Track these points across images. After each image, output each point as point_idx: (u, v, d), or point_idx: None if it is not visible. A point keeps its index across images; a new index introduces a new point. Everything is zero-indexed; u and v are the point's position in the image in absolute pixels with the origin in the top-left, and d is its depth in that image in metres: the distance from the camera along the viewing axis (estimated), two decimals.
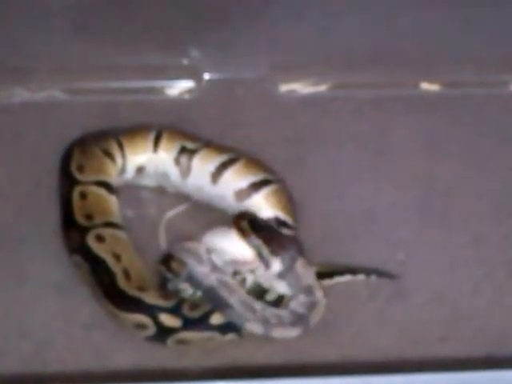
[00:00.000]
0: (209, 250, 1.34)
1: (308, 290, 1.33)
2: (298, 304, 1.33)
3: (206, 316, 1.33)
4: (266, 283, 1.33)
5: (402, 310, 1.40)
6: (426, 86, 1.63)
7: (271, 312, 1.32)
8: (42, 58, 1.60)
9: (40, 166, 1.50)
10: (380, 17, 1.63)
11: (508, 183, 1.53)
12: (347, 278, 1.40)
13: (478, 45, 1.63)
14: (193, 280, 1.33)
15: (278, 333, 1.32)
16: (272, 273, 1.33)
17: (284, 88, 1.62)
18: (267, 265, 1.33)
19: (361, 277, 1.40)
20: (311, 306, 1.32)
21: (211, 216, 1.43)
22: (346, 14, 1.62)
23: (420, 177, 1.52)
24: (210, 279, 1.32)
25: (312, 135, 1.57)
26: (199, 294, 1.33)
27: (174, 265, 1.34)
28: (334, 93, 1.62)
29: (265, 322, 1.31)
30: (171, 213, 1.46)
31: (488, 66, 1.62)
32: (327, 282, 1.38)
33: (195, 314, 1.33)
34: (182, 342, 1.34)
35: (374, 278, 1.40)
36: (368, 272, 1.40)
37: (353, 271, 1.40)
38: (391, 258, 1.44)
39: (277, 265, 1.33)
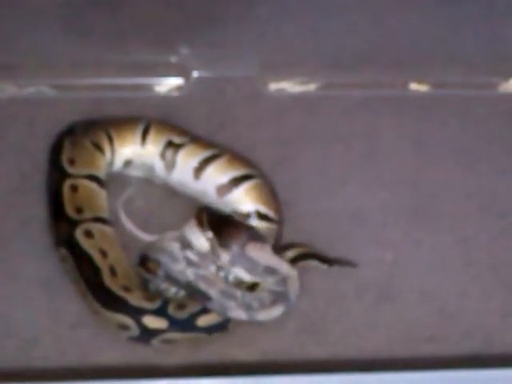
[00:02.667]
0: (183, 246, 1.34)
1: (270, 271, 1.33)
2: (271, 284, 1.32)
3: (193, 317, 1.32)
4: (223, 273, 1.33)
5: (390, 310, 1.40)
6: (414, 86, 1.64)
7: (252, 297, 1.32)
8: (29, 54, 1.60)
9: (27, 161, 1.50)
10: (369, 17, 1.63)
11: (495, 184, 1.53)
12: (313, 263, 1.39)
13: (467, 45, 1.63)
14: (170, 278, 1.33)
15: (263, 315, 1.32)
16: (223, 262, 1.32)
17: (273, 87, 1.62)
18: (217, 256, 1.32)
19: (324, 266, 1.39)
20: (283, 282, 1.32)
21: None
22: (334, 13, 1.62)
23: (408, 177, 1.53)
24: (187, 275, 1.32)
25: (301, 135, 1.57)
26: (182, 292, 1.33)
27: (150, 265, 1.34)
28: (323, 92, 1.62)
29: (247, 307, 1.32)
30: (124, 195, 1.45)
31: (476, 66, 1.63)
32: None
33: (182, 315, 1.33)
34: (167, 341, 1.34)
35: (336, 267, 1.40)
36: (331, 262, 1.39)
37: (318, 257, 1.40)
38: (379, 258, 1.44)
39: (224, 255, 1.32)
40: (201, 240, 1.34)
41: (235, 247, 1.33)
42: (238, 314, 1.32)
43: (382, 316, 1.40)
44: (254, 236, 1.35)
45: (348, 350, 1.37)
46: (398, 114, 1.59)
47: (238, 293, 1.32)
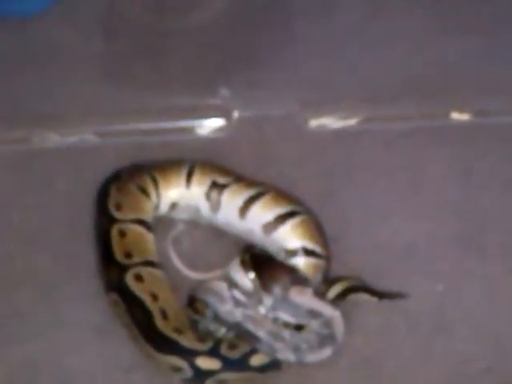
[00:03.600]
0: (231, 285, 1.34)
1: (313, 314, 1.32)
2: (316, 327, 1.31)
3: (246, 357, 1.32)
4: (263, 317, 1.32)
5: (443, 343, 1.39)
6: (456, 115, 1.63)
7: (300, 338, 1.31)
8: (72, 103, 1.62)
9: (74, 209, 1.51)
10: (406, 48, 1.64)
11: None
12: (363, 296, 1.38)
13: (507, 73, 1.62)
14: (218, 318, 1.33)
15: (311, 357, 1.31)
16: (266, 306, 1.32)
17: (313, 123, 1.62)
18: (260, 299, 1.32)
19: (374, 299, 1.38)
20: (328, 324, 1.31)
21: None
22: (371, 47, 1.63)
23: (456, 207, 1.51)
24: (235, 315, 1.32)
25: (344, 169, 1.56)
26: (232, 332, 1.33)
27: (198, 306, 1.34)
28: (364, 126, 1.62)
29: (296, 349, 1.31)
30: (174, 233, 1.46)
31: None
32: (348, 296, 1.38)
33: (234, 355, 1.32)
34: (221, 382, 1.33)
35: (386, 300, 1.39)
36: (381, 295, 1.38)
37: (367, 290, 1.39)
38: (430, 290, 1.43)
39: (267, 298, 1.32)
40: (244, 280, 1.34)
41: (277, 291, 1.32)
42: (286, 355, 1.31)
43: (435, 349, 1.38)
44: (297, 279, 1.34)
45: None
46: (440, 144, 1.59)
47: (287, 334, 1.31)
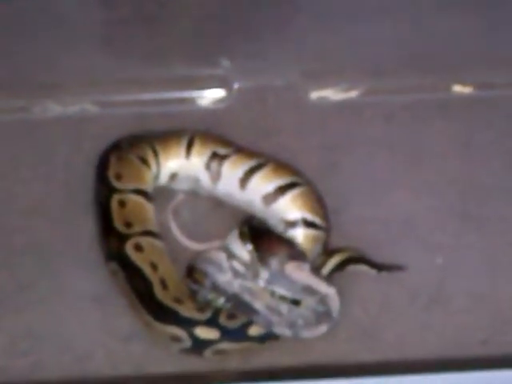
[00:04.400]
0: (230, 256, 1.34)
1: (308, 290, 1.32)
2: (312, 303, 1.32)
3: (245, 327, 1.32)
4: (261, 289, 1.32)
5: (441, 314, 1.39)
6: (458, 88, 1.62)
7: (297, 313, 1.31)
8: (72, 73, 1.61)
9: (74, 178, 1.51)
10: (408, 21, 1.62)
11: None
12: (362, 268, 1.39)
13: (509, 46, 1.61)
14: (216, 288, 1.33)
15: (307, 333, 1.32)
16: (262, 279, 1.32)
17: (315, 95, 1.62)
18: (257, 272, 1.32)
19: (373, 271, 1.39)
20: (323, 301, 1.32)
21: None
22: (373, 19, 1.62)
23: (457, 180, 1.51)
24: (233, 286, 1.32)
25: (345, 141, 1.56)
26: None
27: (197, 276, 1.34)
28: (366, 98, 1.61)
29: (292, 324, 1.31)
30: (173, 203, 1.46)
31: None
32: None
33: (233, 325, 1.33)
34: (219, 352, 1.33)
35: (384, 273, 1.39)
36: (380, 267, 1.39)
37: (366, 262, 1.39)
38: (430, 262, 1.43)
39: (263, 272, 1.32)
40: (242, 252, 1.34)
41: (274, 264, 1.33)
42: (282, 330, 1.31)
43: (433, 320, 1.39)
44: (294, 254, 1.34)
45: (400, 354, 1.36)
46: (442, 117, 1.58)
47: (284, 308, 1.31)
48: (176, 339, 1.33)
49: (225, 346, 1.33)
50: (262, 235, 1.36)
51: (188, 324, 1.32)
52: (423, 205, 1.49)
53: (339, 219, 1.44)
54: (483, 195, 1.50)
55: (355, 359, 1.36)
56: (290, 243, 1.37)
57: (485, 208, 1.49)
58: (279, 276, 1.32)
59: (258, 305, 1.31)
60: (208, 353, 1.33)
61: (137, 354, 1.36)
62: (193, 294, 1.35)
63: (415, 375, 1.25)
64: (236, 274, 1.33)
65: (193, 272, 1.35)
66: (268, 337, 1.33)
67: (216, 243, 1.41)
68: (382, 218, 1.47)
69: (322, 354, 1.35)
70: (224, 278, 1.33)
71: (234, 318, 1.33)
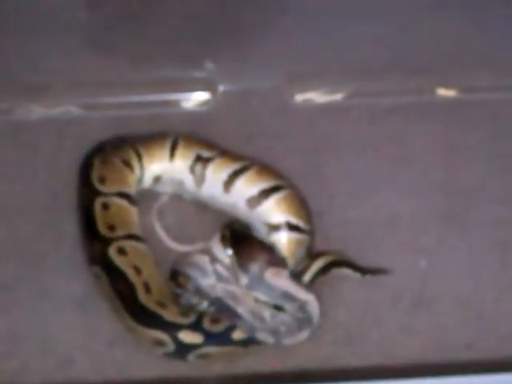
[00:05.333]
0: (213, 260, 1.34)
1: (288, 297, 1.32)
2: (292, 310, 1.32)
3: (228, 331, 1.32)
4: (244, 294, 1.32)
5: (425, 317, 1.39)
6: (442, 91, 1.63)
7: (280, 319, 1.31)
8: (56, 75, 1.61)
9: (58, 181, 1.50)
10: (393, 24, 1.63)
11: None
12: (345, 271, 1.39)
13: (494, 48, 1.62)
14: (200, 292, 1.32)
15: (289, 340, 1.32)
16: (241, 285, 1.32)
17: (300, 97, 1.62)
18: (236, 277, 1.32)
19: (357, 274, 1.39)
20: (303, 307, 1.32)
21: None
22: (358, 22, 1.62)
23: (441, 183, 1.51)
24: (216, 290, 1.32)
25: (329, 144, 1.56)
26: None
27: (180, 279, 1.34)
28: (350, 101, 1.61)
29: (275, 331, 1.31)
30: (157, 206, 1.45)
31: (504, 69, 1.62)
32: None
33: (217, 329, 1.32)
34: (203, 356, 1.33)
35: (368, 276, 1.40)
36: (363, 271, 1.39)
37: (350, 266, 1.39)
38: (413, 265, 1.43)
39: (243, 277, 1.32)
40: (223, 255, 1.34)
41: (254, 270, 1.32)
42: (265, 336, 1.31)
43: (417, 323, 1.39)
44: (274, 260, 1.34)
45: (384, 358, 1.36)
46: (426, 120, 1.58)
47: (267, 313, 1.31)
48: (159, 343, 1.33)
49: (208, 350, 1.33)
50: (242, 240, 1.36)
51: (171, 328, 1.32)
52: (407, 207, 1.49)
53: (323, 221, 1.44)
54: (467, 198, 1.50)
55: (339, 363, 1.36)
56: (270, 249, 1.37)
57: (469, 211, 1.49)
58: (259, 282, 1.32)
59: (241, 309, 1.31)
60: (192, 357, 1.33)
61: (120, 357, 1.36)
62: (176, 298, 1.34)
63: (399, 379, 1.25)
64: (219, 277, 1.33)
65: (176, 276, 1.35)
66: (252, 341, 1.33)
67: (200, 245, 1.41)
68: (366, 220, 1.47)
69: (306, 358, 1.35)
70: (207, 282, 1.33)
71: (218, 322, 1.33)
